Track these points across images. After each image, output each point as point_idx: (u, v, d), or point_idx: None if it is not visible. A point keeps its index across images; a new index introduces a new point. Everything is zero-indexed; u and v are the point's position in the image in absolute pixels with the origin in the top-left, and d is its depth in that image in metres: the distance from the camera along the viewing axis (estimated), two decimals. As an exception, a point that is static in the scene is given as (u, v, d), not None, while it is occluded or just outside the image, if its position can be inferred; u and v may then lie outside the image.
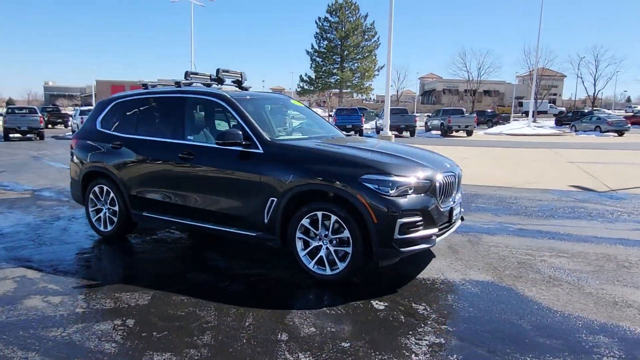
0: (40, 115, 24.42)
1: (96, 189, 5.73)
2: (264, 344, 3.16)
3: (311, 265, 4.29)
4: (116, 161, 5.48)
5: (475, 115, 33.75)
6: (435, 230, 4.21)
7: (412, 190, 4.07)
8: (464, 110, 33.14)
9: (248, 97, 5.26)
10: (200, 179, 4.84)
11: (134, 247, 5.49)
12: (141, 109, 5.57)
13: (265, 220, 4.45)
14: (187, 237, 5.88)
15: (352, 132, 29.38)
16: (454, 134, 30.69)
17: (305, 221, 4.25)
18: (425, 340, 3.22)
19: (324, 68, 48.47)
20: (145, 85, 5.72)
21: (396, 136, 27.96)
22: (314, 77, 49.14)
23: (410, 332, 3.33)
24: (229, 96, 4.96)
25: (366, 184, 3.98)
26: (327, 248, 4.23)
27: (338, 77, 43.38)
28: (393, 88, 53.95)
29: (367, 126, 37.00)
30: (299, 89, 51.59)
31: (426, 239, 4.15)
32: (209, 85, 5.59)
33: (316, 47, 48.43)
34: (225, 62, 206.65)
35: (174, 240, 5.73)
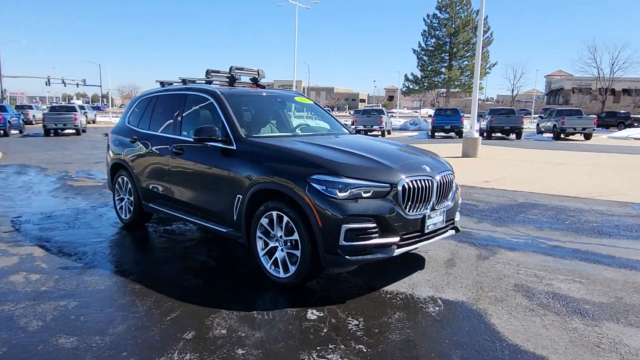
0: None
1: (119, 179, 6.21)
2: (165, 339, 3.14)
3: (268, 266, 4.18)
4: (131, 155, 5.89)
5: (595, 117, 29.91)
6: (394, 239, 3.82)
7: (365, 194, 3.74)
8: (582, 110, 29.59)
9: (239, 94, 5.28)
10: (188, 173, 4.98)
11: (142, 237, 5.82)
12: (154, 105, 5.89)
13: (234, 217, 4.43)
14: (195, 230, 6.08)
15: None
16: (570, 137, 27.58)
17: (264, 220, 4.15)
18: (325, 358, 2.94)
19: (430, 67, 46.72)
20: (184, 81, 5.93)
21: (500, 139, 26.05)
22: (420, 76, 47.69)
23: (319, 348, 3.06)
24: (218, 92, 5.02)
25: (314, 185, 3.75)
26: (282, 250, 4.08)
27: (445, 76, 41.48)
28: (507, 87, 49.79)
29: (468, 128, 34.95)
30: (404, 89, 50.48)
31: (382, 248, 3.78)
32: (231, 83, 5.70)
33: (423, 45, 46.92)
34: (333, 65, 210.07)
35: (182, 233, 5.97)
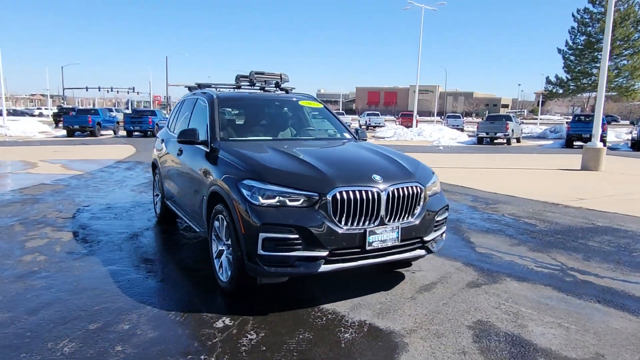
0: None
1: (155, 177, 6.78)
2: (65, 328, 3.36)
3: (217, 269, 4.19)
4: (159, 154, 6.41)
5: None
6: (322, 254, 3.52)
7: (291, 202, 3.53)
8: None
9: (235, 98, 5.38)
10: (184, 174, 5.24)
11: (163, 233, 6.25)
12: (179, 110, 6.31)
13: (203, 218, 4.54)
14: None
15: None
16: None
17: (215, 223, 4.17)
18: (183, 367, 2.85)
19: (578, 67, 41.28)
20: (199, 86, 6.31)
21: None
22: (565, 78, 42.45)
23: (189, 357, 2.98)
24: (213, 97, 5.19)
25: (242, 190, 3.66)
26: (225, 254, 4.06)
27: (595, 77, 36.32)
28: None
29: (614, 137, 30.31)
30: (546, 92, 45.46)
31: (306, 262, 3.53)
32: (279, 88, 5.91)
33: (570, 43, 41.62)
34: (472, 69, 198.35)
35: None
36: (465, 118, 55.76)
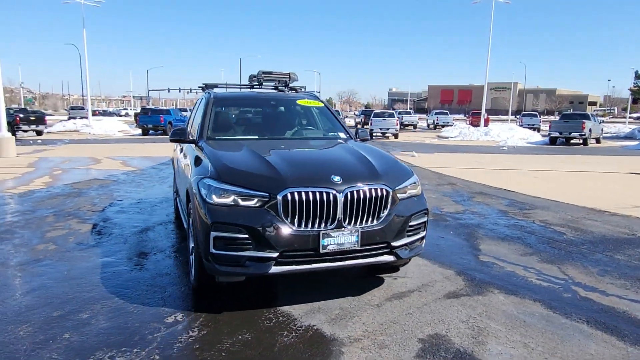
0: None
1: (174, 174, 7.08)
2: (32, 314, 3.59)
3: (190, 265, 4.27)
4: (174, 153, 6.67)
5: None
6: (272, 254, 3.47)
7: (244, 202, 3.51)
8: None
9: (231, 97, 5.48)
10: (180, 171, 5.41)
11: (173, 229, 6.50)
12: (195, 109, 6.51)
13: (185, 216, 4.66)
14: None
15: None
16: None
17: (190, 221, 4.26)
18: None
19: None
20: (206, 86, 6.49)
21: None
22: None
23: (123, 349, 3.08)
24: (210, 96, 5.32)
25: (201, 188, 3.71)
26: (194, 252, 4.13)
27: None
28: None
29: None
30: (635, 88, 41.37)
31: (257, 262, 3.50)
32: (288, 87, 6.00)
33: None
34: (555, 64, 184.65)
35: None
36: (545, 117, 52.18)
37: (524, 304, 3.90)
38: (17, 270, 4.55)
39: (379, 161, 4.14)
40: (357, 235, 3.61)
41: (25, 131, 26.48)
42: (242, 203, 3.53)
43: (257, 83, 6.15)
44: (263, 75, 6.11)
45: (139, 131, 31.97)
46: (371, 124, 29.74)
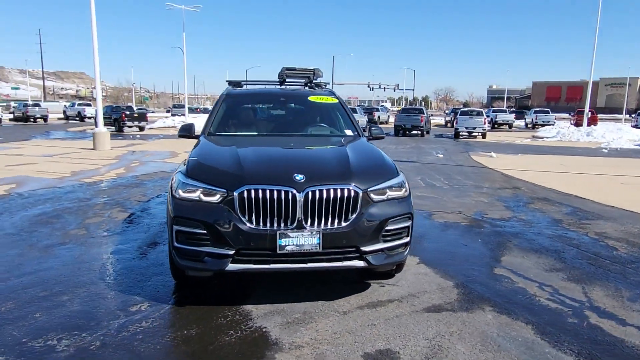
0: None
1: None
2: (22, 292, 3.90)
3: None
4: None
5: None
6: (229, 251, 3.42)
7: (206, 197, 3.51)
8: None
9: (242, 94, 5.50)
10: None
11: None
12: None
13: None
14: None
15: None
16: None
17: None
18: (48, 345, 3.10)
19: None
20: (230, 83, 6.61)
21: None
22: None
23: (65, 334, 3.23)
24: (224, 93, 5.42)
25: (173, 183, 3.79)
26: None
27: None
28: None
29: None
30: None
31: (215, 258, 3.47)
32: (311, 84, 6.00)
33: None
34: None
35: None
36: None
37: (512, 326, 3.43)
38: (39, 252, 5.00)
39: (361, 161, 3.91)
40: (319, 237, 3.43)
41: (129, 127, 29.22)
42: (204, 199, 3.53)
43: (280, 80, 6.11)
44: (287, 72, 6.07)
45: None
46: (456, 123, 28.39)
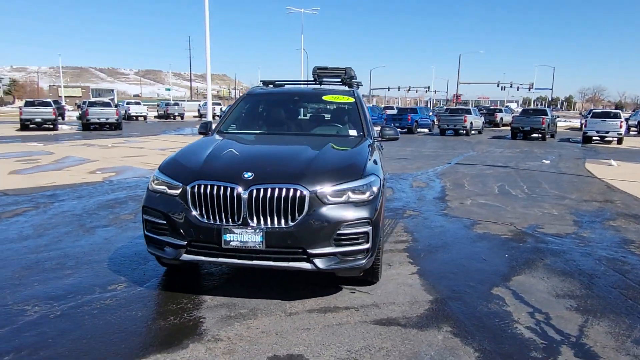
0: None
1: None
2: (26, 266, 4.52)
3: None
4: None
5: None
6: (182, 242, 3.63)
7: (170, 190, 3.75)
8: None
9: (262, 93, 5.67)
10: None
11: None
12: None
13: None
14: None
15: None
16: None
17: None
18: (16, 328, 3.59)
19: None
20: (263, 83, 6.78)
21: None
22: None
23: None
24: (247, 93, 5.69)
25: (152, 176, 4.10)
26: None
27: None
28: None
29: None
30: None
31: (172, 248, 3.70)
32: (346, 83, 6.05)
33: None
34: None
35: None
36: None
37: (456, 351, 3.08)
38: (83, 231, 5.75)
39: (326, 162, 3.86)
40: (262, 236, 3.46)
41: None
42: (168, 192, 3.77)
43: (315, 79, 6.16)
44: (318, 71, 6.11)
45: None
46: (585, 126, 25.22)
